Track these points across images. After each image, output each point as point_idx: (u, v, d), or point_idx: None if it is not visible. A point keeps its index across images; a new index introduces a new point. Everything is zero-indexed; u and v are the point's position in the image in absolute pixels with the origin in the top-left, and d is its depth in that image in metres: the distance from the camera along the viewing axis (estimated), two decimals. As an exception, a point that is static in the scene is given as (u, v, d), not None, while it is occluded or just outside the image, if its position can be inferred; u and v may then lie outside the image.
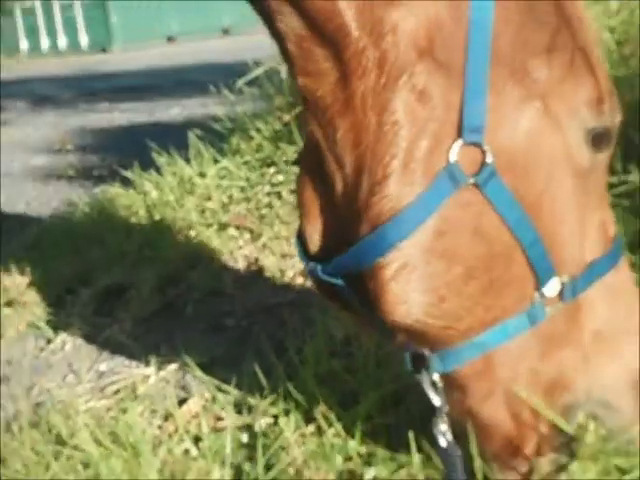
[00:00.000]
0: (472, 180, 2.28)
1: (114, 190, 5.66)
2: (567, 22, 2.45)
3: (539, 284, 2.42)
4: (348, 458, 3.19)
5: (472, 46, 2.34)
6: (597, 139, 2.44)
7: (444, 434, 2.51)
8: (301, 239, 2.71)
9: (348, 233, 2.47)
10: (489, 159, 2.30)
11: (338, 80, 2.37)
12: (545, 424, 2.51)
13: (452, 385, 2.52)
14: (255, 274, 4.85)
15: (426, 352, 2.49)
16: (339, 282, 2.53)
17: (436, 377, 2.49)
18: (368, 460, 3.13)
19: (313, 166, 2.59)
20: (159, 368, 4.06)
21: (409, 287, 2.40)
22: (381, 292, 2.38)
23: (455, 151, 2.28)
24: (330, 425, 3.25)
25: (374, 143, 2.36)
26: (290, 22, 2.38)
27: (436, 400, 2.51)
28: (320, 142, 2.49)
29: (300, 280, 4.66)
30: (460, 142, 2.27)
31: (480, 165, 2.29)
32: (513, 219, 2.41)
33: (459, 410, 2.55)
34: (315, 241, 2.66)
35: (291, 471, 3.22)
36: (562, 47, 2.42)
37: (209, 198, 5.15)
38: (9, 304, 4.71)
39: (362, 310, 2.57)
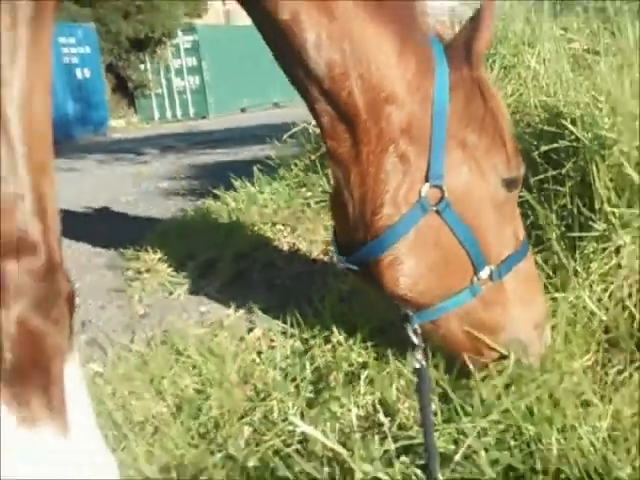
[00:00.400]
0: (435, 208, 2.68)
1: (208, 202, 5.97)
2: (490, 112, 2.76)
3: (477, 271, 2.78)
4: (351, 364, 3.43)
5: (434, 127, 2.65)
6: (508, 184, 2.78)
7: (420, 360, 2.76)
8: (335, 240, 3.08)
9: (359, 238, 2.81)
10: (445, 195, 2.66)
11: (352, 145, 2.70)
12: (488, 356, 2.86)
13: (431, 328, 2.90)
14: (294, 253, 5.06)
15: (409, 312, 2.87)
16: (356, 268, 2.92)
17: (416, 327, 2.85)
18: (364, 365, 3.37)
19: (337, 194, 2.92)
20: (236, 310, 4.34)
21: (397, 274, 2.77)
22: (381, 276, 2.80)
23: (425, 190, 2.65)
24: (340, 344, 3.57)
25: (373, 185, 2.68)
26: (324, 107, 2.70)
27: (415, 339, 2.84)
28: (339, 180, 2.84)
29: (322, 257, 4.93)
30: (427, 185, 2.65)
31: (440, 199, 2.67)
32: (460, 232, 2.73)
33: (434, 338, 2.95)
34: (341, 242, 3.00)
35: (316, 373, 3.43)
36: (487, 127, 2.75)
37: (265, 206, 5.30)
38: (147, 271, 4.97)
39: (370, 284, 2.99)
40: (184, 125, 25.51)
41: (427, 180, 2.67)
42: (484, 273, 2.79)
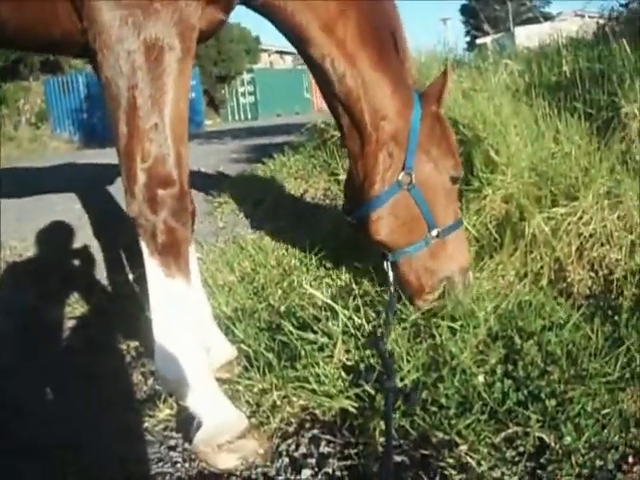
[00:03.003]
0: (406, 187, 2.61)
1: (258, 166, 5.78)
2: (445, 135, 2.74)
3: (429, 230, 2.65)
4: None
5: (410, 138, 2.60)
6: (453, 180, 2.72)
7: (392, 284, 2.71)
8: (344, 203, 2.96)
9: (359, 202, 2.72)
10: (413, 180, 2.60)
11: (360, 144, 2.66)
12: (432, 284, 2.68)
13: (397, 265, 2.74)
14: (305, 195, 4.84)
15: (386, 252, 2.74)
16: (355, 222, 2.79)
17: (390, 264, 2.74)
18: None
19: (349, 174, 2.84)
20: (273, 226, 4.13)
21: (379, 226, 2.66)
22: (369, 227, 2.68)
23: (401, 175, 2.60)
24: (338, 276, 3.26)
25: (371, 169, 2.63)
26: (345, 119, 2.67)
27: (389, 271, 2.75)
28: (351, 165, 2.77)
29: (322, 198, 4.70)
30: (403, 172, 2.60)
31: (409, 182, 2.60)
32: (420, 204, 2.63)
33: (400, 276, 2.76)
34: (347, 205, 2.88)
35: (319, 262, 3.40)
36: (443, 143, 2.71)
37: (291, 168, 5.19)
38: (225, 202, 4.76)
39: (361, 232, 2.79)
40: (245, 123, 25.33)
41: (403, 169, 2.62)
42: (434, 232, 2.68)
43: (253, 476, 1.90)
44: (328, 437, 2.03)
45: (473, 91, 4.36)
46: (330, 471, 1.87)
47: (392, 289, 2.71)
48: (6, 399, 2.60)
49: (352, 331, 2.45)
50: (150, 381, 2.66)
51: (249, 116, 34.59)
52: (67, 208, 5.40)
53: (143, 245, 1.98)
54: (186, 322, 2.02)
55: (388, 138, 2.63)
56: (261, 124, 21.28)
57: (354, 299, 2.72)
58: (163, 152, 1.89)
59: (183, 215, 1.98)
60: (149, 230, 1.94)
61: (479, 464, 1.76)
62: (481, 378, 2.09)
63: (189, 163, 2.02)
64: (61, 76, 24.21)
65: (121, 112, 1.88)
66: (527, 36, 11.31)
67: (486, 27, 13.31)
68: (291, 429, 2.11)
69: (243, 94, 35.94)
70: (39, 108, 23.76)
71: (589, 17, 8.95)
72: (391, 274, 2.75)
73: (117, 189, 5.52)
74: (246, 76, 35.79)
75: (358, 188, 2.73)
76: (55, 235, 4.76)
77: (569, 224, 2.90)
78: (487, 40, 13.17)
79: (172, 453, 2.11)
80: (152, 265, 1.98)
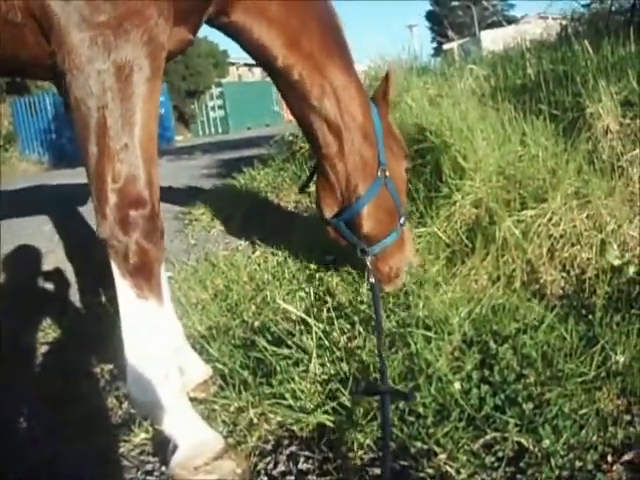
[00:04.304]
0: (384, 181, 2.77)
1: (228, 181, 5.64)
2: (393, 128, 2.97)
3: (400, 219, 2.85)
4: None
5: (377, 138, 2.77)
6: (406, 170, 2.97)
7: (370, 278, 2.71)
8: (319, 207, 2.96)
9: (345, 204, 2.82)
10: (387, 174, 2.77)
11: (338, 148, 2.74)
12: (400, 269, 2.92)
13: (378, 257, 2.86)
14: (277, 207, 4.68)
15: (365, 247, 2.81)
16: (341, 225, 2.85)
17: (371, 256, 2.81)
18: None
19: (324, 176, 2.88)
20: (245, 240, 4.13)
21: (368, 221, 2.78)
22: (359, 223, 2.78)
23: (379, 171, 2.76)
24: (311, 289, 3.23)
25: (353, 169, 2.74)
26: (321, 126, 2.73)
27: (369, 266, 2.77)
28: (327, 171, 2.82)
29: (292, 209, 4.62)
30: (379, 168, 2.75)
31: (385, 176, 2.77)
32: (394, 196, 2.82)
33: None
34: (328, 209, 2.89)
35: (290, 275, 3.40)
36: (397, 140, 2.94)
37: (260, 182, 5.10)
38: (196, 220, 4.67)
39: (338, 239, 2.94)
40: (215, 138, 25.22)
41: (379, 165, 2.76)
42: (403, 220, 2.86)
43: (231, 497, 1.88)
44: (306, 453, 2.02)
45: (439, 97, 4.41)
46: (309, 487, 1.85)
47: (374, 285, 2.69)
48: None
49: (327, 344, 2.44)
50: (125, 404, 2.62)
51: (220, 130, 34.44)
52: (37, 231, 5.36)
53: (114, 266, 1.96)
54: (159, 343, 2.00)
55: (362, 138, 2.74)
56: (232, 137, 21.23)
57: (328, 311, 2.71)
58: (134, 172, 1.88)
59: (155, 235, 1.96)
60: (121, 251, 1.93)
61: (458, 472, 1.75)
62: (457, 385, 2.08)
63: (159, 181, 2.01)
64: (28, 97, 23.85)
65: (91, 132, 1.86)
66: (493, 40, 11.41)
67: (450, 33, 13.47)
68: (269, 447, 2.10)
69: (213, 108, 35.76)
70: (6, 130, 23.52)
71: (552, 19, 9.04)
72: (370, 270, 2.77)
73: (88, 210, 5.50)
74: (215, 90, 35.66)
75: (341, 190, 2.82)
76: (24, 259, 4.69)
77: (539, 226, 2.92)
78: (454, 45, 13.28)
79: (149, 478, 2.08)
80: (124, 286, 1.96)
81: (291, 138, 5.60)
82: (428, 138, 3.65)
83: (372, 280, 2.69)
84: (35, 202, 6.99)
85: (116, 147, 1.86)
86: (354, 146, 2.74)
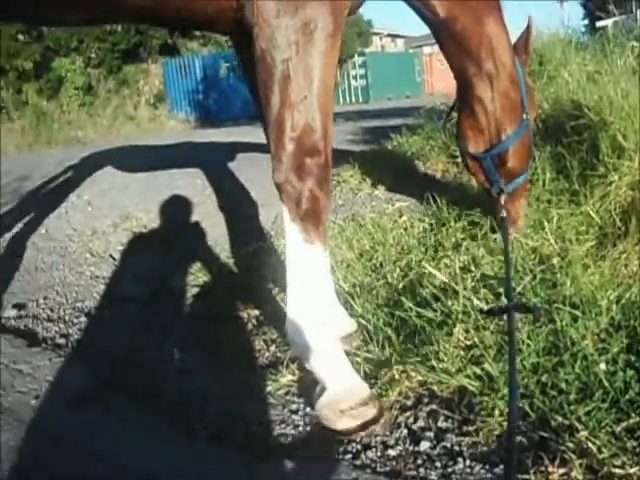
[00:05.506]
0: (527, 123, 2.98)
1: (376, 148, 5.76)
2: (530, 85, 3.10)
3: (529, 163, 3.11)
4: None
5: (520, 81, 2.96)
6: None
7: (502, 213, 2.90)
8: (466, 148, 3.09)
9: (494, 142, 2.96)
10: (527, 116, 2.98)
11: (491, 91, 2.88)
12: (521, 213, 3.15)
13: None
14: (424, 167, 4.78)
15: (502, 186, 2.99)
16: (488, 160, 2.99)
17: (506, 195, 2.99)
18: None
19: (473, 116, 2.99)
20: (392, 204, 4.14)
21: (512, 159, 2.97)
22: (508, 159, 2.97)
23: (524, 115, 2.97)
24: (450, 226, 3.44)
25: (502, 112, 2.91)
26: (479, 74, 2.86)
27: (503, 201, 2.95)
28: (480, 109, 2.94)
29: (441, 169, 4.63)
30: (524, 111, 2.97)
31: (526, 118, 2.97)
32: (530, 139, 3.05)
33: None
34: (473, 145, 3.05)
35: (436, 242, 3.41)
36: (532, 92, 3.13)
37: (409, 149, 5.11)
38: (344, 181, 4.75)
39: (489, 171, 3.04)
40: (356, 107, 25.10)
41: (523, 109, 2.94)
42: (530, 163, 3.14)
43: (372, 444, 1.95)
44: (446, 412, 2.05)
45: (598, 74, 4.31)
46: (449, 445, 1.89)
47: (505, 219, 2.86)
48: (135, 355, 2.79)
49: (471, 312, 2.44)
50: (272, 348, 2.74)
51: (360, 99, 34.31)
52: (189, 183, 5.63)
53: (285, 211, 2.04)
54: (320, 288, 2.09)
55: (511, 83, 2.88)
56: (372, 107, 21.08)
57: (472, 280, 2.71)
58: (311, 123, 1.96)
59: (326, 185, 2.04)
60: (293, 196, 2.01)
61: (600, 451, 1.73)
62: (603, 366, 2.04)
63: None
64: (178, 58, 24.94)
65: (274, 83, 1.96)
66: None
67: (611, 8, 12.67)
68: (409, 402, 2.14)
69: (355, 77, 35.42)
70: (157, 89, 24.77)
71: None
72: (503, 206, 2.94)
73: (236, 166, 5.71)
74: (358, 59, 35.32)
75: (489, 130, 2.95)
76: (177, 208, 5.01)
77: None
78: (607, 22, 12.52)
79: (294, 416, 2.18)
80: (293, 230, 2.04)
81: (442, 107, 5.53)
82: (586, 115, 3.56)
83: (504, 214, 2.85)
84: (185, 157, 7.34)
85: (296, 98, 1.95)
86: (504, 90, 2.86)
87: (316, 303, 2.07)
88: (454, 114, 3.37)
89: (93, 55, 23.47)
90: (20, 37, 21.56)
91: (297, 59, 1.93)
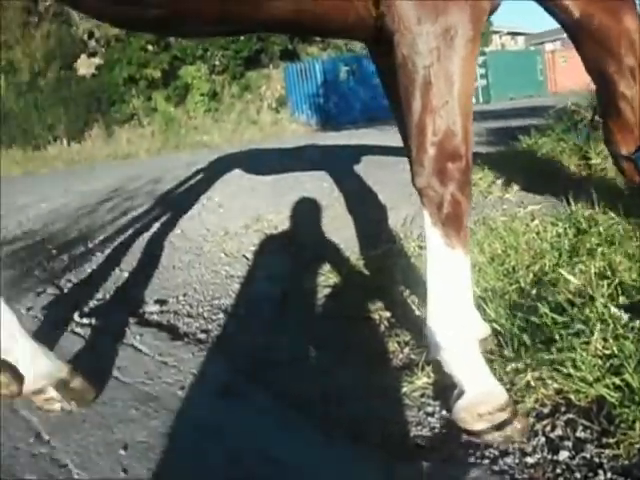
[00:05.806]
0: None
1: (503, 149, 5.70)
2: None
3: None
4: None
5: None
6: None
7: None
8: (616, 145, 2.99)
9: None
10: None
11: (636, 88, 2.79)
12: None
13: None
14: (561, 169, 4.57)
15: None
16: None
17: None
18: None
19: (620, 116, 2.88)
20: (524, 208, 4.04)
21: None
22: None
23: None
24: (585, 231, 3.40)
25: None
26: (617, 69, 2.78)
27: None
28: (627, 108, 2.83)
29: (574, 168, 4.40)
30: None
31: None
32: None
33: None
34: (624, 146, 2.94)
35: (570, 248, 3.31)
36: None
37: (539, 151, 4.99)
38: (473, 184, 4.11)
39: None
40: (477, 107, 24.39)
41: None
42: None
43: (510, 450, 1.95)
44: (584, 422, 2.01)
45: None
46: (588, 456, 1.86)
47: None
48: (273, 353, 2.87)
49: (608, 320, 2.38)
50: (406, 350, 2.77)
51: (481, 99, 33.45)
52: (315, 186, 5.75)
53: (426, 215, 2.07)
54: (461, 292, 2.10)
55: None
56: (495, 107, 20.64)
57: (609, 287, 2.63)
58: (452, 128, 1.98)
59: (467, 189, 2.06)
60: (435, 201, 2.03)
61: None
62: None
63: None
64: (299, 63, 25.63)
65: (416, 89, 1.99)
66: None
67: None
68: (546, 410, 2.12)
69: (475, 77, 34.97)
70: (279, 94, 25.57)
71: None
72: None
73: (362, 169, 5.77)
74: (478, 59, 34.69)
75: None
76: (307, 210, 5.13)
77: None
78: None
79: (430, 419, 2.21)
80: (434, 234, 2.06)
81: (573, 108, 5.39)
82: None
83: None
84: (310, 160, 7.48)
85: (438, 103, 1.97)
86: None
87: (457, 307, 2.08)
88: (597, 118, 3.30)
89: (217, 62, 24.60)
90: (149, 48, 23.16)
91: (438, 65, 1.96)
